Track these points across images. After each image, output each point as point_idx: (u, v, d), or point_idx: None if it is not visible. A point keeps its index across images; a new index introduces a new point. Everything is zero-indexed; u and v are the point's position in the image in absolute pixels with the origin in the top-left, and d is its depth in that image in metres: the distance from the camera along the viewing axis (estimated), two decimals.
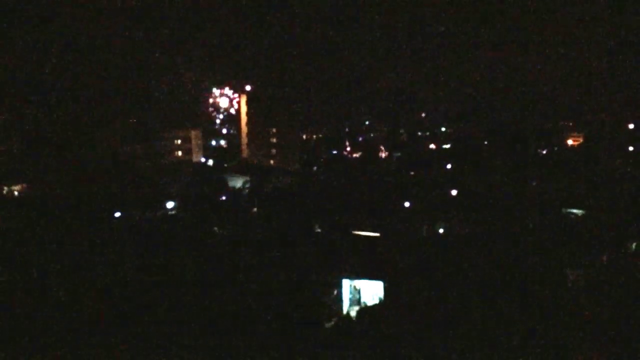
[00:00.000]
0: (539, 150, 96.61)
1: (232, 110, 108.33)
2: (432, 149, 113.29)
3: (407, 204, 47.76)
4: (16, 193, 54.08)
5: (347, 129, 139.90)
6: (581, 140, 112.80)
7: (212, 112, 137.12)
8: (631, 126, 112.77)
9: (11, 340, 19.21)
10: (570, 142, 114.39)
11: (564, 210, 40.92)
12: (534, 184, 54.93)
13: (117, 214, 41.01)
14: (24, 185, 54.22)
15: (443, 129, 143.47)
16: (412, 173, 70.06)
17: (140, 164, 73.95)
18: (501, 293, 22.35)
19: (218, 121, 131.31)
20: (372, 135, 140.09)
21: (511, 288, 22.82)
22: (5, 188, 53.59)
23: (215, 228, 37.95)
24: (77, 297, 22.81)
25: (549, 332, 18.98)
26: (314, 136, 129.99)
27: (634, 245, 30.32)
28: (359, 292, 28.47)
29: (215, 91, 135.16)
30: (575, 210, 40.66)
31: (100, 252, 28.43)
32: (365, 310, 24.77)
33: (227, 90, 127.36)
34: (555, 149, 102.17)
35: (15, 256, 27.60)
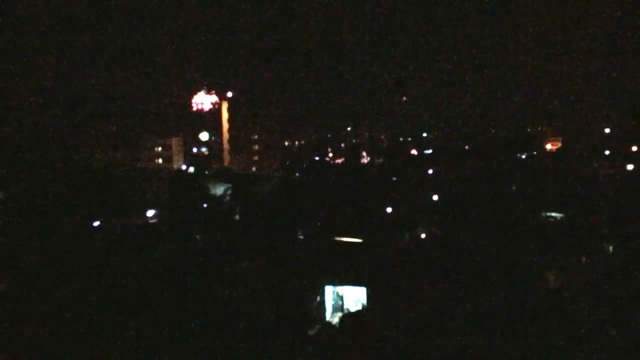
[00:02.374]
0: (519, 155, 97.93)
1: (214, 117, 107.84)
2: (413, 154, 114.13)
3: (389, 210, 47.93)
4: None
5: (329, 135, 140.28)
6: (559, 144, 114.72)
7: (194, 118, 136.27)
8: (607, 130, 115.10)
9: None
10: (549, 146, 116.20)
11: (543, 213, 41.44)
12: (514, 188, 55.57)
13: (96, 223, 40.38)
14: None
15: (424, 134, 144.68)
16: (394, 178, 70.36)
17: (120, 171, 72.99)
18: (483, 297, 22.49)
19: (199, 128, 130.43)
20: (354, 141, 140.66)
21: (493, 291, 22.98)
22: None
23: (197, 235, 37.61)
24: (55, 308, 22.37)
25: (531, 334, 19.13)
26: (296, 142, 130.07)
27: (610, 247, 30.85)
28: (341, 298, 28.42)
29: (197, 98, 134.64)
30: (554, 214, 41.21)
31: (79, 261, 27.94)
32: (348, 317, 24.71)
33: (209, 97, 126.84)
34: (534, 153, 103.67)
35: None
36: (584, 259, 29.21)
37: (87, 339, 19.98)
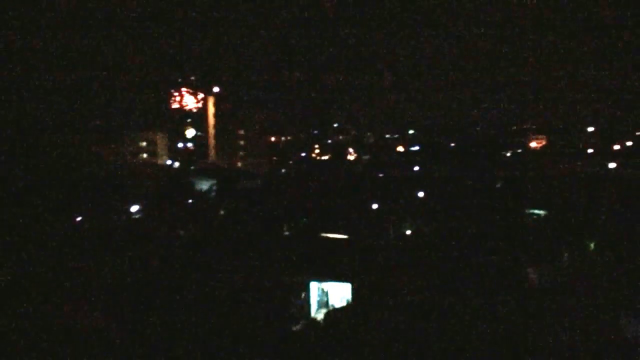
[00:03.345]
0: (503, 152, 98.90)
1: (200, 112, 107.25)
2: (400, 151, 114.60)
3: (375, 206, 48.05)
4: None
5: (315, 132, 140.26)
6: (544, 142, 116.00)
7: (179, 114, 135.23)
8: (590, 129, 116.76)
9: None
10: (533, 144, 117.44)
11: (526, 210, 41.85)
12: (498, 185, 56.05)
13: (79, 219, 39.95)
14: None
15: (411, 132, 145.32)
16: (380, 175, 70.58)
17: (103, 166, 72.25)
18: (466, 293, 22.64)
19: (185, 123, 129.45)
20: (340, 137, 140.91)
21: (476, 288, 23.15)
22: None
23: (182, 231, 37.37)
24: (36, 305, 22.08)
25: (513, 331, 19.31)
26: (282, 138, 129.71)
27: (592, 244, 31.22)
28: (326, 294, 28.42)
29: (183, 93, 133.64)
30: (537, 211, 41.63)
31: (61, 257, 27.62)
32: (333, 313, 24.71)
33: (195, 92, 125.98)
34: (519, 151, 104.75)
35: None
36: (565, 255, 29.54)
37: (70, 337, 19.77)
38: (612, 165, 72.76)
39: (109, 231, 35.75)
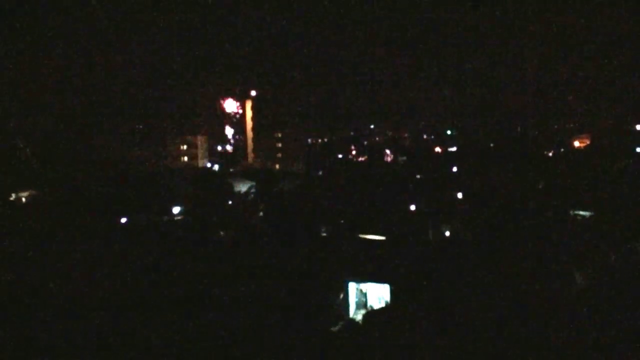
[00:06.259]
0: (545, 152, 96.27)
1: (238, 116, 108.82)
2: (437, 151, 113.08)
3: (412, 207, 47.70)
4: (24, 200, 54.40)
5: (352, 133, 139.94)
6: (587, 141, 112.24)
7: (218, 117, 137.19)
8: (638, 127, 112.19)
9: (11, 342, 19.34)
10: (576, 143, 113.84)
11: (571, 212, 40.71)
12: (541, 186, 54.67)
13: (123, 219, 41.19)
14: (32, 191, 54.53)
15: (448, 132, 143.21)
16: (417, 176, 69.91)
17: (146, 169, 74.35)
18: (510, 296, 22.24)
19: (223, 126, 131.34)
20: (377, 139, 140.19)
21: (520, 290, 22.71)
22: (13, 195, 53.90)
23: (222, 232, 38.04)
24: (83, 302, 22.88)
25: (557, 333, 18.87)
26: (319, 140, 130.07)
27: None
28: (365, 295, 28.42)
29: (221, 96, 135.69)
30: (582, 212, 40.43)
31: (107, 257, 28.54)
32: (371, 314, 24.70)
33: (233, 96, 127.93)
34: (562, 150, 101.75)
35: (23, 262, 27.77)
36: (613, 257, 28.59)
37: (115, 334, 20.41)
38: None
39: (152, 232, 36.74)
